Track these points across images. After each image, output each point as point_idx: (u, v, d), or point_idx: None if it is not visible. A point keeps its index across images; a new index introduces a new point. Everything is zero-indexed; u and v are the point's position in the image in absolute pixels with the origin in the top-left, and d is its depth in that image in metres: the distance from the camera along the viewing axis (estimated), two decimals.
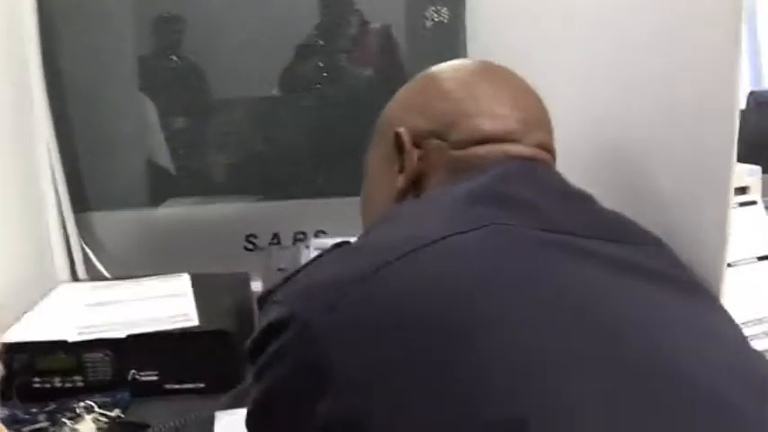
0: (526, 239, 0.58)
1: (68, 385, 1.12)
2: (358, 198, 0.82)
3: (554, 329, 0.51)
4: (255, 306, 0.83)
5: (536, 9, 1.13)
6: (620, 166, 0.77)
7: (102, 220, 1.56)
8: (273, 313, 0.58)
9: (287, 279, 0.63)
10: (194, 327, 1.14)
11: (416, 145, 0.72)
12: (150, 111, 1.74)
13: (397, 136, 0.73)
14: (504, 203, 0.61)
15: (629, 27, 0.83)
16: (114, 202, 1.63)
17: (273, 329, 0.57)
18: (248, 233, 1.54)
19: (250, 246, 1.54)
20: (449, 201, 0.63)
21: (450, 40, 1.80)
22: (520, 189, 0.64)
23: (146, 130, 1.74)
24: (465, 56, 1.74)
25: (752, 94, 2.73)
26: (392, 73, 1.83)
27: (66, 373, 1.11)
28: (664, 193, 0.74)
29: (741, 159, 0.71)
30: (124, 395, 1.11)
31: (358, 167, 0.82)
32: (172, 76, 1.86)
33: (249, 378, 0.68)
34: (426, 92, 0.75)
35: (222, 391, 1.09)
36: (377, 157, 0.78)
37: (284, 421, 0.58)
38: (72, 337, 1.12)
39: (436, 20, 1.80)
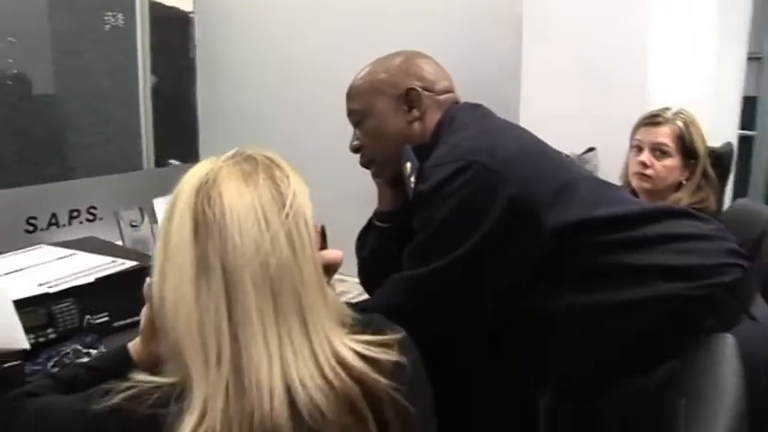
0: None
1: (42, 339, 1.14)
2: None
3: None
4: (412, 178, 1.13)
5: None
6: None
7: None
8: (453, 166, 1.05)
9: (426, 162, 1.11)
10: (137, 265, 1.28)
11: None
12: None
13: (412, 90, 1.20)
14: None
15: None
16: None
17: (458, 173, 1.04)
18: (28, 216, 1.56)
19: (31, 228, 1.56)
20: (485, 117, 1.21)
21: (126, 42, 2.06)
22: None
23: None
24: (138, 55, 2.06)
25: None
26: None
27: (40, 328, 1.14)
28: None
29: None
30: (93, 338, 1.19)
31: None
32: None
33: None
34: (411, 67, 1.24)
35: None
36: (383, 108, 1.22)
37: (469, 219, 1.04)
38: (41, 290, 1.14)
39: (113, 24, 2.02)
